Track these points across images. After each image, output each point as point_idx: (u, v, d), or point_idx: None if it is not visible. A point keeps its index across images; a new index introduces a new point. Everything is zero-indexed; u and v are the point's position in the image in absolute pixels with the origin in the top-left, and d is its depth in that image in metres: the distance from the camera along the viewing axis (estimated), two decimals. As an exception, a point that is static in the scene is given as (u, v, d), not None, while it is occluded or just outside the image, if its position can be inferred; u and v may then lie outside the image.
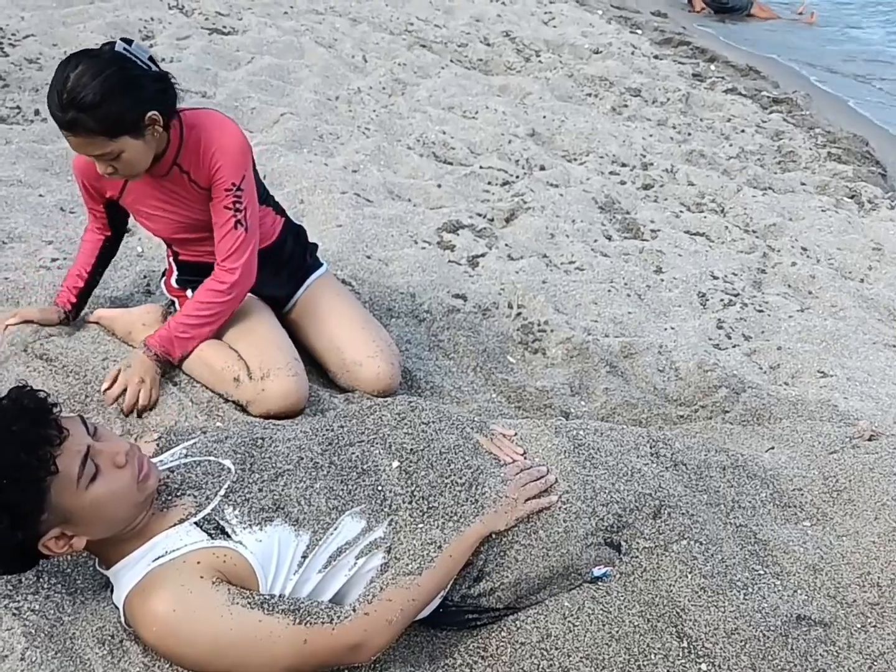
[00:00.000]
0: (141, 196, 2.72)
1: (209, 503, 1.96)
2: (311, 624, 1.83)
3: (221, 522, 1.93)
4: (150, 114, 2.47)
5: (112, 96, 2.38)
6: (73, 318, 2.85)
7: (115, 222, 2.89)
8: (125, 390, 2.57)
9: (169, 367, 2.72)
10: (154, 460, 2.09)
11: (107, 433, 1.92)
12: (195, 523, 1.93)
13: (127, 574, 1.88)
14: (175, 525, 1.93)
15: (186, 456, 2.10)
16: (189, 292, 2.89)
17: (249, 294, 2.90)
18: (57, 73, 2.38)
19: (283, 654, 1.81)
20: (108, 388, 2.58)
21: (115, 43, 2.49)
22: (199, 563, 1.85)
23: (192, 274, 2.88)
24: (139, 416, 2.58)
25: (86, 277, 2.87)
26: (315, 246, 3.12)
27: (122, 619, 1.89)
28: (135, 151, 2.48)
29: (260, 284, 2.89)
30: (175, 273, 2.94)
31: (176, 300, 2.95)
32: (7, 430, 1.71)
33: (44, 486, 1.71)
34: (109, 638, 1.89)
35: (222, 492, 1.98)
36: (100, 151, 2.42)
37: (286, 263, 2.99)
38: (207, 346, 2.78)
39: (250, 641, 1.79)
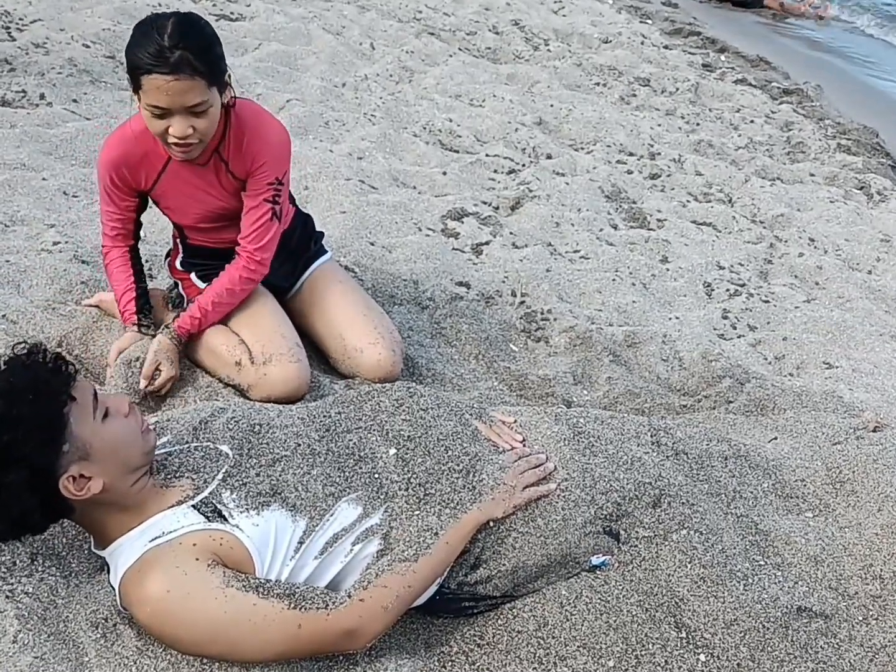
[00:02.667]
0: (175, 184, 2.68)
1: (207, 486, 1.96)
2: (305, 609, 1.82)
3: (219, 506, 1.92)
4: (228, 72, 2.49)
5: (214, 41, 2.43)
6: (148, 324, 2.77)
7: (136, 225, 2.81)
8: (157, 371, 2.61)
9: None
10: None
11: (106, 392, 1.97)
12: (192, 506, 1.92)
13: (123, 555, 1.88)
14: (172, 507, 1.93)
15: (184, 441, 2.09)
16: (193, 275, 2.87)
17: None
18: (145, 27, 2.36)
19: (276, 639, 1.80)
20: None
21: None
22: (194, 545, 1.85)
23: (198, 257, 2.87)
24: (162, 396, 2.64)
25: (134, 289, 2.77)
26: (321, 234, 3.11)
27: (118, 601, 1.88)
28: (216, 110, 2.47)
29: (268, 273, 2.89)
30: (181, 255, 2.92)
31: (180, 282, 2.94)
32: (27, 359, 1.79)
33: (64, 409, 1.76)
34: (103, 621, 1.89)
35: (220, 476, 1.98)
36: (197, 99, 2.38)
37: (292, 252, 2.98)
38: (210, 330, 2.78)
39: (244, 625, 1.79)
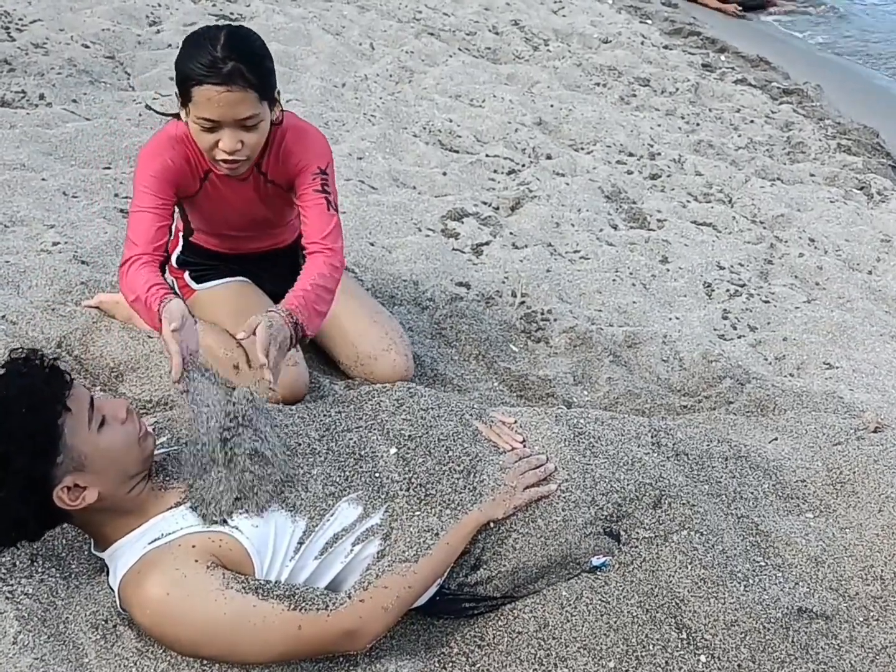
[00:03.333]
0: (215, 193, 2.64)
1: None
2: (305, 610, 1.82)
3: None
4: (278, 88, 2.47)
5: (266, 55, 2.41)
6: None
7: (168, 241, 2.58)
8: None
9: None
10: None
11: (104, 398, 1.95)
12: (191, 507, 1.92)
13: (122, 557, 1.88)
14: (171, 508, 1.92)
15: (183, 441, 2.09)
16: (186, 274, 2.86)
17: (248, 282, 2.89)
18: (197, 38, 2.34)
19: (276, 640, 1.80)
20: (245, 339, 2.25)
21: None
22: (194, 546, 1.85)
23: (196, 255, 2.86)
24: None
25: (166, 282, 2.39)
26: None
27: (118, 603, 1.88)
28: (266, 125, 2.44)
29: (267, 280, 2.88)
30: (178, 249, 2.87)
31: (174, 280, 2.90)
32: (22, 369, 1.78)
33: (58, 421, 1.76)
34: (103, 623, 1.89)
35: (219, 477, 1.98)
36: (249, 112, 2.35)
37: (295, 260, 2.98)
38: (208, 333, 2.77)
39: (244, 626, 1.78)
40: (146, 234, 2.43)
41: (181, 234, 2.87)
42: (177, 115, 2.53)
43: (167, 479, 1.98)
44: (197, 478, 1.97)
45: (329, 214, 2.56)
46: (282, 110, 2.54)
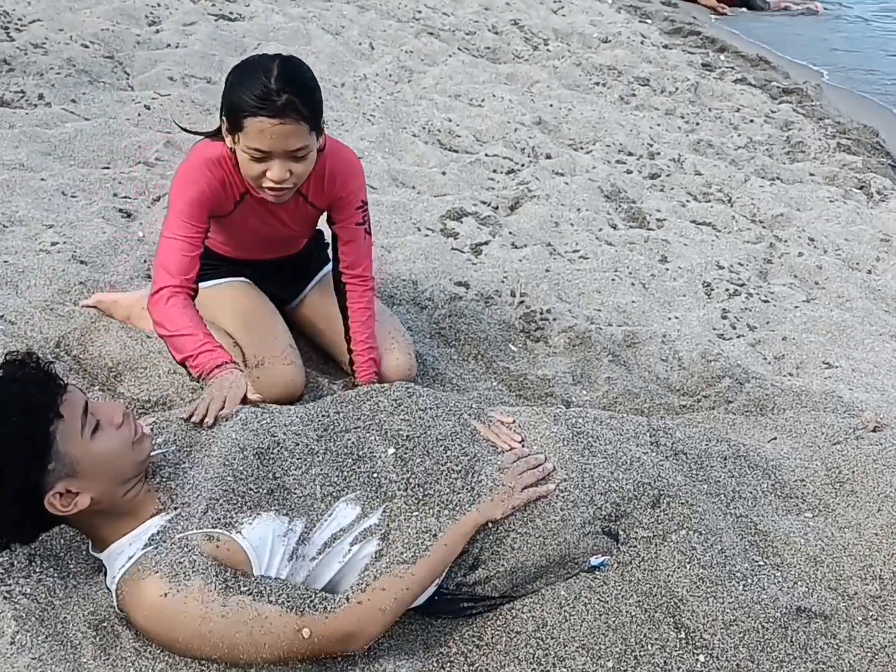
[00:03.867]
0: (251, 212, 2.65)
1: None
2: (303, 612, 1.82)
3: None
4: (323, 116, 2.48)
5: (317, 86, 2.42)
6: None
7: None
8: None
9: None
10: None
11: (100, 401, 1.93)
12: (188, 509, 1.91)
13: (119, 558, 1.87)
14: (168, 510, 1.92)
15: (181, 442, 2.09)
16: None
17: (248, 283, 2.89)
18: (249, 68, 2.34)
19: (274, 642, 1.80)
20: None
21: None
22: (192, 548, 1.84)
23: (208, 258, 2.81)
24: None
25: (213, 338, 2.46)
26: (327, 245, 3.11)
27: (115, 603, 1.88)
28: (314, 155, 2.46)
29: (270, 284, 2.88)
30: None
31: None
32: (16, 373, 1.77)
33: (50, 428, 1.75)
34: (101, 622, 1.89)
35: (217, 477, 1.97)
36: (299, 144, 2.36)
37: (303, 267, 2.98)
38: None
39: (241, 628, 1.78)
40: (179, 263, 2.46)
41: None
42: (213, 135, 2.54)
43: (165, 480, 1.97)
44: (194, 479, 1.97)
45: (366, 242, 2.77)
46: (325, 136, 2.56)
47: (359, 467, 2.07)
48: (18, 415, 1.72)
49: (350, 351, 2.78)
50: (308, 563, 1.93)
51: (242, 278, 2.89)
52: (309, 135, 2.37)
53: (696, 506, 2.22)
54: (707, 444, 2.48)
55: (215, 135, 2.53)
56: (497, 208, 4.50)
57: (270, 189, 2.43)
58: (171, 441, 2.08)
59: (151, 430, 2.15)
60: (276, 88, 2.28)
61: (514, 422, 2.31)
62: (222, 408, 2.17)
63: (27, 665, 1.73)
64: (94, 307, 2.91)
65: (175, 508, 1.91)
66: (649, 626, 2.01)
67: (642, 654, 1.97)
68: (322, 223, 2.88)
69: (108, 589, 1.91)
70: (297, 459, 2.05)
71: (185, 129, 2.90)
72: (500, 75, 6.45)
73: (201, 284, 2.84)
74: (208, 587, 1.79)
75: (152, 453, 2.02)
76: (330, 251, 3.04)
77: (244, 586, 1.81)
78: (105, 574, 1.94)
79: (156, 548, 1.85)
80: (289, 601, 1.82)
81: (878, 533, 2.31)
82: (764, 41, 9.13)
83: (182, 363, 2.40)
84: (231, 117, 2.36)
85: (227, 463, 1.98)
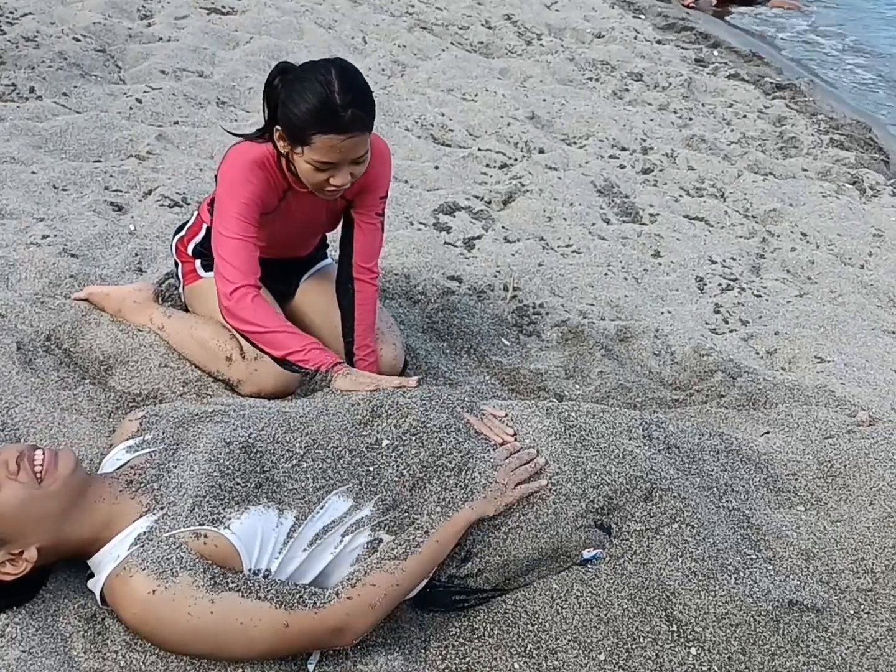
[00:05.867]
0: (286, 211, 2.67)
1: None
2: (292, 608, 1.81)
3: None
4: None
5: (370, 89, 2.43)
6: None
7: None
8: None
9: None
10: (134, 441, 2.07)
11: None
12: (174, 506, 1.90)
13: (108, 559, 1.86)
14: (154, 509, 1.91)
15: (167, 438, 2.08)
16: (198, 262, 2.83)
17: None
18: (309, 82, 2.34)
19: (263, 638, 1.79)
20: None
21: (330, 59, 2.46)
22: (179, 545, 1.83)
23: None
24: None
25: (308, 335, 2.57)
26: (327, 245, 3.12)
27: (99, 602, 1.87)
28: (370, 154, 2.49)
29: (270, 280, 2.87)
30: (198, 238, 2.83)
31: (181, 264, 2.87)
32: None
33: None
34: (91, 615, 1.88)
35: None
36: (363, 151, 2.42)
37: (302, 263, 2.98)
38: (202, 325, 2.77)
39: (231, 624, 1.77)
40: (248, 263, 2.51)
41: (205, 225, 2.80)
42: (254, 137, 2.56)
43: (148, 482, 1.95)
44: (180, 477, 1.96)
45: (380, 237, 2.80)
46: None
47: (351, 459, 2.06)
48: None
49: (350, 348, 2.79)
50: (299, 554, 1.93)
51: None
52: (368, 140, 2.43)
53: (689, 499, 2.22)
54: (699, 438, 2.48)
55: (258, 137, 2.56)
56: (490, 203, 4.49)
57: (331, 191, 2.48)
58: (160, 439, 2.07)
59: (140, 424, 2.14)
60: (342, 104, 2.31)
61: (506, 415, 2.31)
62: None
63: (17, 658, 1.72)
64: (86, 300, 2.89)
65: (161, 508, 1.90)
66: (641, 619, 2.00)
67: (634, 646, 1.97)
68: None
69: (91, 590, 1.90)
70: (288, 452, 2.04)
71: (233, 133, 2.87)
72: (494, 70, 6.44)
73: (208, 274, 2.83)
74: (196, 584, 1.78)
75: (138, 453, 2.01)
76: (338, 246, 2.98)
77: (232, 583, 1.81)
78: (90, 576, 1.92)
79: (142, 546, 1.83)
80: (278, 597, 1.82)
81: (870, 526, 2.31)
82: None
83: (284, 358, 2.46)
84: (294, 132, 2.38)
85: (212, 458, 1.97)
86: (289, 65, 2.47)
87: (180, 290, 2.90)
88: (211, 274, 2.81)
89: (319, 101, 2.31)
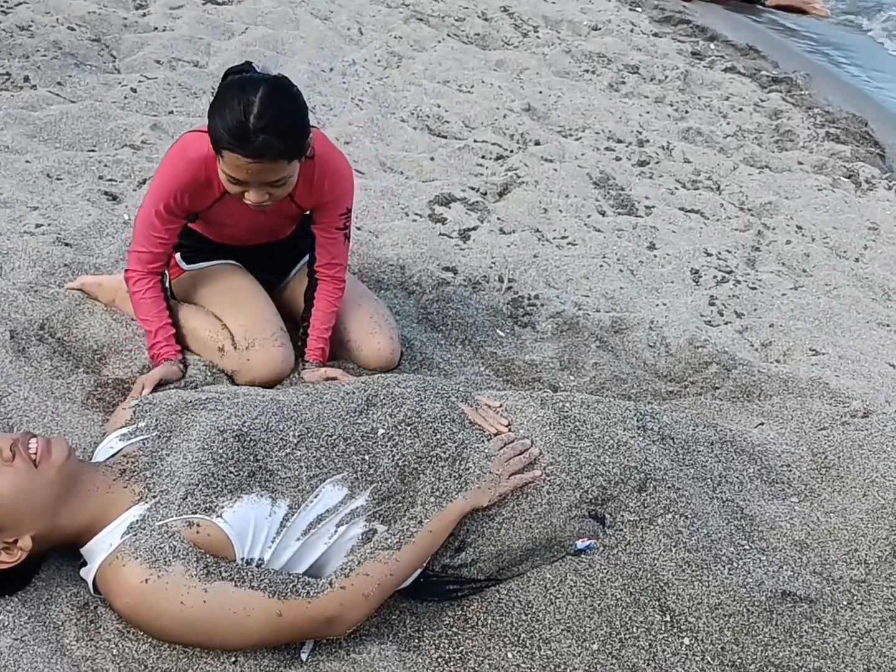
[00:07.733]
0: (231, 209, 2.62)
1: None
2: (286, 597, 1.81)
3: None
4: (310, 137, 2.44)
5: (300, 115, 2.37)
6: (184, 360, 2.68)
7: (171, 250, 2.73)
8: None
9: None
10: (127, 430, 2.07)
11: None
12: (166, 495, 1.90)
13: (100, 548, 1.86)
14: (146, 498, 1.91)
15: (162, 426, 2.07)
16: (178, 255, 2.83)
17: (237, 265, 2.88)
18: (231, 95, 2.28)
19: (256, 627, 1.80)
20: None
21: (252, 63, 2.42)
22: (172, 534, 1.83)
23: (190, 240, 2.80)
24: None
25: (171, 325, 2.68)
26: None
27: (91, 590, 1.87)
28: (294, 178, 2.44)
29: (259, 267, 2.87)
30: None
31: None
32: None
33: None
34: (84, 604, 1.88)
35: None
36: (276, 177, 2.35)
37: (289, 250, 2.96)
38: (193, 316, 2.77)
39: (224, 613, 1.77)
40: (153, 256, 2.62)
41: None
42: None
43: (141, 470, 1.95)
44: (173, 465, 1.95)
45: (344, 246, 2.77)
46: (311, 147, 2.51)
47: (346, 448, 2.06)
48: None
49: (303, 333, 2.80)
50: (293, 543, 1.93)
51: (232, 261, 2.87)
52: (288, 165, 2.35)
53: (683, 490, 2.22)
54: (694, 430, 2.48)
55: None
56: (486, 194, 4.48)
57: (251, 204, 2.43)
58: (153, 426, 2.07)
59: (134, 412, 2.13)
60: (254, 129, 2.24)
61: (500, 406, 2.31)
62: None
63: (9, 646, 1.72)
64: (79, 290, 2.88)
65: (154, 497, 1.90)
66: (634, 609, 2.01)
67: (627, 636, 1.97)
68: None
69: (83, 579, 1.89)
70: (281, 440, 2.04)
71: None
72: (490, 62, 6.42)
73: (191, 266, 2.83)
74: (189, 573, 1.78)
75: (131, 441, 2.00)
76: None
77: (226, 572, 1.81)
78: (82, 564, 1.92)
79: (135, 535, 1.83)
80: (271, 586, 1.82)
81: (864, 518, 2.31)
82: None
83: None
84: (212, 139, 2.34)
85: (206, 447, 1.97)
86: (235, 69, 2.40)
87: (167, 284, 2.87)
88: (192, 266, 2.81)
89: (233, 121, 2.25)
